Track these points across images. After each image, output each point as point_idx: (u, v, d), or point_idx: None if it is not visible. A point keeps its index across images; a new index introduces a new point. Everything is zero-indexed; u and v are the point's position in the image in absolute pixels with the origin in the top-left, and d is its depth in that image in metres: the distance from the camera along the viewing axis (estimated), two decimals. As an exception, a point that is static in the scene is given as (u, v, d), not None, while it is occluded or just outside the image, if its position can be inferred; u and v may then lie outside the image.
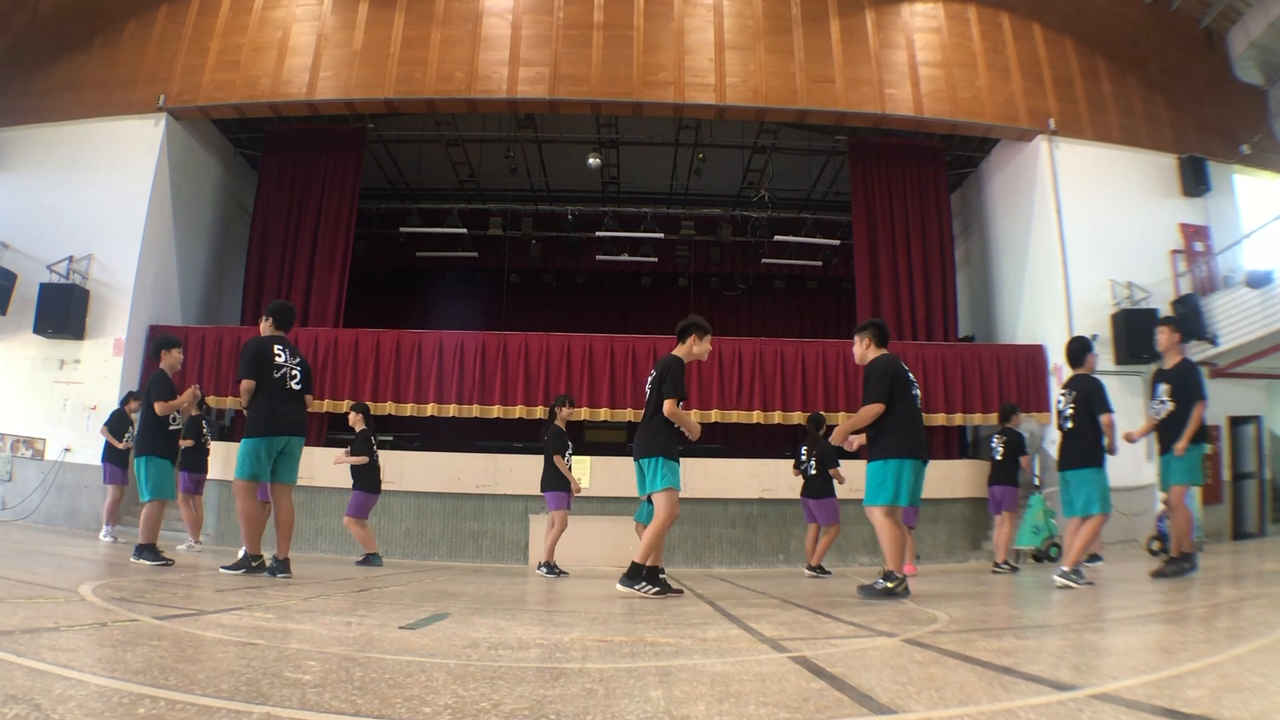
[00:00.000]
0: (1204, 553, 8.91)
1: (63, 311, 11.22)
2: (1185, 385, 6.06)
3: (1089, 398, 5.69)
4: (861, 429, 5.05)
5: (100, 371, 11.36)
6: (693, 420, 5.09)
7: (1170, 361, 6.27)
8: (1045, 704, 1.69)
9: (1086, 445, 5.67)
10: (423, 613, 3.53)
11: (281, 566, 5.48)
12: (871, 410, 4.91)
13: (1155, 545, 9.41)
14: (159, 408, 6.30)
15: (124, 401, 9.50)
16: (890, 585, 4.78)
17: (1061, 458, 5.89)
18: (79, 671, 1.76)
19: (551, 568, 7.68)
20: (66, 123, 12.24)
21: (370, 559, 8.12)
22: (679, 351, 5.16)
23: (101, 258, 11.69)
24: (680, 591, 4.80)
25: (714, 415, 12.04)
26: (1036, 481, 9.95)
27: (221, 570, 5.48)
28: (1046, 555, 9.60)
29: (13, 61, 12.58)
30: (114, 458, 9.18)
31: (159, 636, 2.40)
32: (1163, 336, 6.32)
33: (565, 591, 5.66)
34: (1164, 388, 6.19)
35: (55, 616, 2.70)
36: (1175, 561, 5.91)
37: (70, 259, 11.53)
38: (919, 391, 5.17)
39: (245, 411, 5.50)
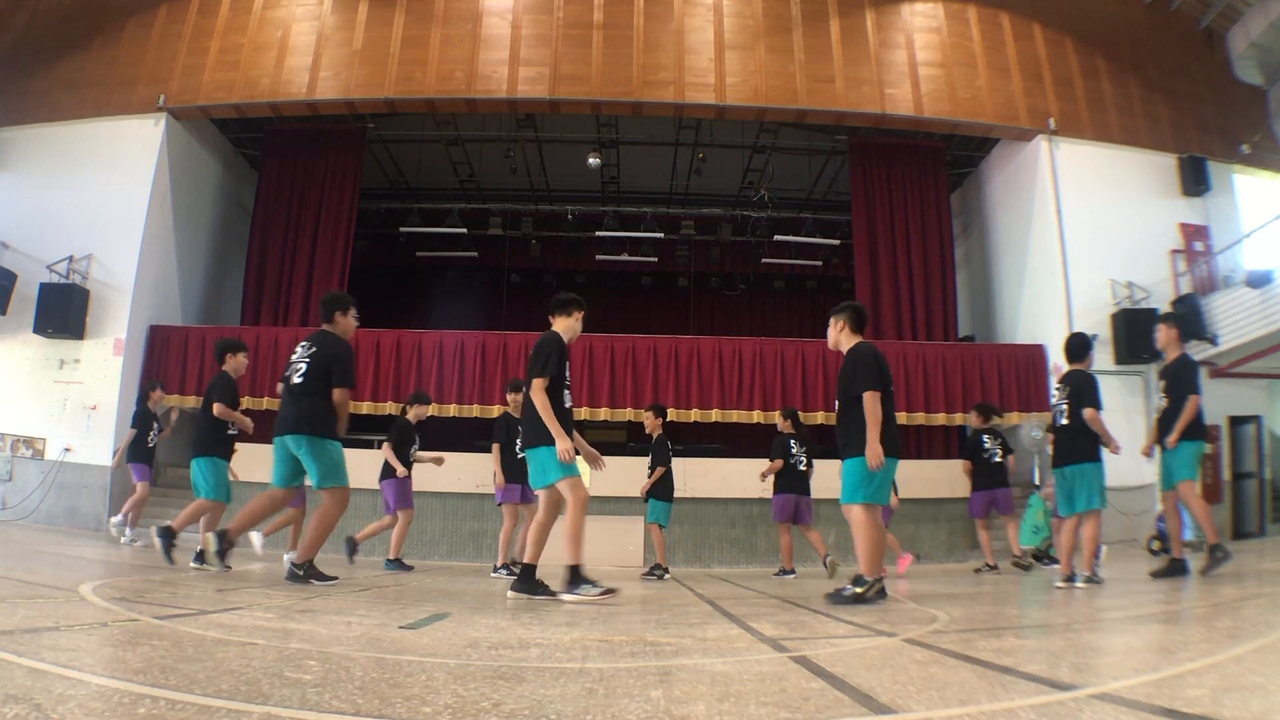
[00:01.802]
0: (1202, 552, 8.90)
1: (63, 311, 11.21)
2: (1178, 380, 6.04)
3: (1079, 393, 5.62)
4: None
5: (100, 371, 11.35)
6: (562, 437, 4.27)
7: (1170, 357, 6.27)
8: (1045, 704, 1.69)
9: (1085, 441, 5.60)
10: (423, 612, 3.53)
11: (297, 571, 5.01)
12: (877, 401, 4.40)
13: (1155, 545, 9.40)
14: (217, 409, 6.24)
15: (144, 396, 8.88)
16: (860, 590, 4.31)
17: (1057, 453, 5.82)
18: (79, 671, 1.75)
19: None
20: (66, 123, 12.23)
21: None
22: (559, 327, 4.65)
23: (101, 258, 11.68)
24: (615, 590, 4.58)
25: (714, 415, 12.04)
26: (1036, 480, 9.93)
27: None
28: (1046, 555, 9.58)
29: (13, 61, 12.57)
30: (141, 455, 8.75)
31: (159, 636, 2.40)
32: (1161, 334, 6.34)
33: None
34: (1160, 383, 6.24)
35: (55, 616, 2.70)
36: (1213, 550, 5.83)
37: (70, 259, 11.52)
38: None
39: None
